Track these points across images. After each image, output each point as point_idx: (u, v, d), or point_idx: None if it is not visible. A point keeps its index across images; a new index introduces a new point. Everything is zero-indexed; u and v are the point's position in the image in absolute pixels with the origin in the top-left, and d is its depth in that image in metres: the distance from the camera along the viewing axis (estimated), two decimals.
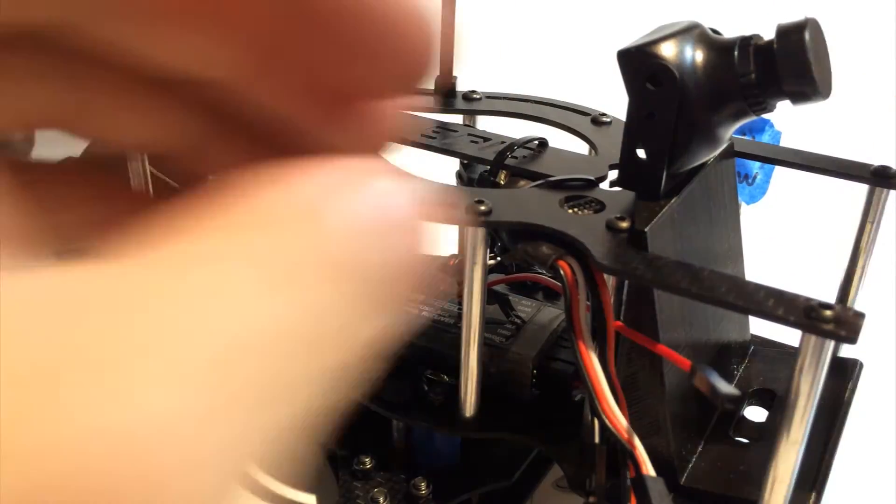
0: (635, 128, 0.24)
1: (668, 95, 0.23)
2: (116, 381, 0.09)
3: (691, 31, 0.23)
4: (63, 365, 0.09)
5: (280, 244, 0.12)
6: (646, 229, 0.23)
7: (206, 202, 0.12)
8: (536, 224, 0.24)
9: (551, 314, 0.32)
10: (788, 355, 0.33)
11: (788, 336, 0.34)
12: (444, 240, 0.36)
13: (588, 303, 0.24)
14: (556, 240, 0.24)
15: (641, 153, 0.24)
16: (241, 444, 0.11)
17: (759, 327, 0.33)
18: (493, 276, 0.35)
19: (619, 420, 0.22)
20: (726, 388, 0.19)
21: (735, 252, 0.30)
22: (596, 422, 0.22)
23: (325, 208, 0.12)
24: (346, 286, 0.12)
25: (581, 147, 0.33)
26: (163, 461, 0.09)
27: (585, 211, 0.25)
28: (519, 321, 0.32)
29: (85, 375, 0.09)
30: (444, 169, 0.36)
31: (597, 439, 0.22)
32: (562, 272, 0.23)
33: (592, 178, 0.27)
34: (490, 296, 0.33)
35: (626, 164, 0.24)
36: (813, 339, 0.19)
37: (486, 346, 0.30)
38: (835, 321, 0.19)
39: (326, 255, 0.12)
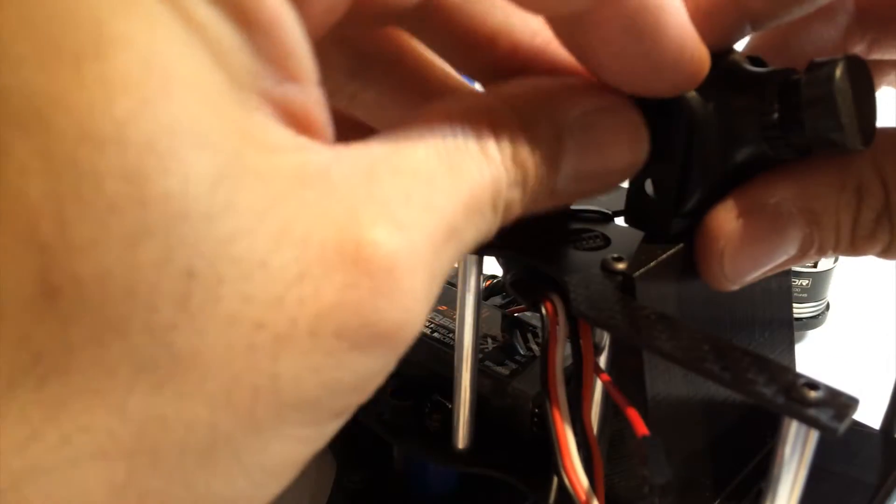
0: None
1: (677, 128, 0.20)
2: None
3: (719, 59, 0.20)
4: None
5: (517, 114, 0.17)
6: (635, 274, 0.20)
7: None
8: (519, 254, 0.22)
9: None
10: None
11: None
12: None
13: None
14: (543, 275, 0.22)
15: (649, 188, 0.22)
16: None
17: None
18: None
19: (579, 481, 0.20)
20: (659, 472, 0.17)
21: (765, 320, 0.26)
22: (555, 479, 0.20)
23: (570, 100, 0.18)
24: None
25: None
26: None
27: (587, 246, 0.23)
28: (531, 354, 0.30)
29: None
30: None
31: (552, 499, 0.20)
32: (543, 311, 0.21)
33: (609, 211, 0.25)
34: (511, 324, 0.32)
35: (633, 200, 0.22)
36: (794, 424, 0.17)
37: (488, 377, 0.28)
38: (819, 405, 0.16)
39: (557, 130, 0.17)
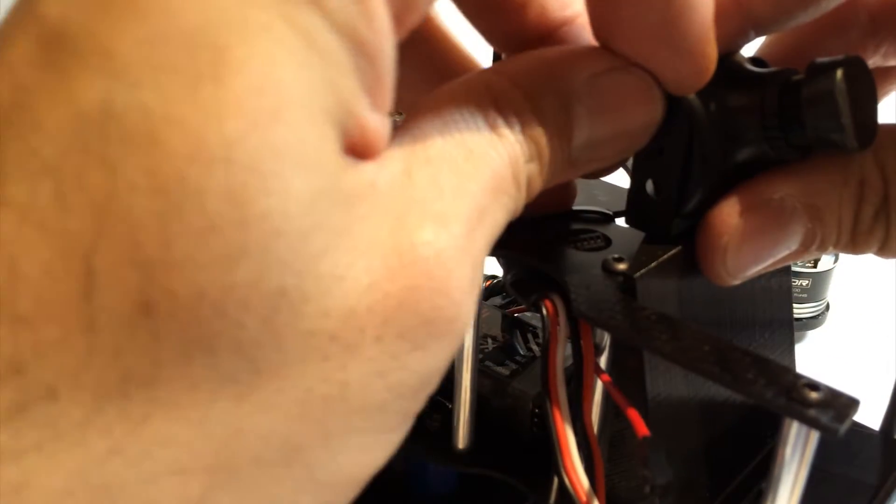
0: (643, 161, 0.21)
1: (678, 128, 0.20)
2: None
3: (721, 60, 0.20)
4: None
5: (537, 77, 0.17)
6: (636, 275, 0.20)
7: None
8: (520, 254, 0.22)
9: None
10: None
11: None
12: None
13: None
14: (544, 275, 0.22)
15: (650, 189, 0.22)
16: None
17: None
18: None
19: (579, 481, 0.20)
20: (659, 472, 0.17)
21: (765, 320, 0.26)
22: (555, 480, 0.20)
23: (575, 67, 0.18)
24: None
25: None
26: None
27: (588, 246, 0.23)
28: (531, 354, 0.30)
29: None
30: None
31: (552, 500, 0.20)
32: (543, 312, 0.21)
33: (610, 212, 0.25)
34: (511, 324, 0.32)
35: (634, 200, 0.22)
36: (795, 425, 0.17)
37: (488, 377, 0.28)
38: (819, 406, 0.16)
39: (565, 99, 0.17)
